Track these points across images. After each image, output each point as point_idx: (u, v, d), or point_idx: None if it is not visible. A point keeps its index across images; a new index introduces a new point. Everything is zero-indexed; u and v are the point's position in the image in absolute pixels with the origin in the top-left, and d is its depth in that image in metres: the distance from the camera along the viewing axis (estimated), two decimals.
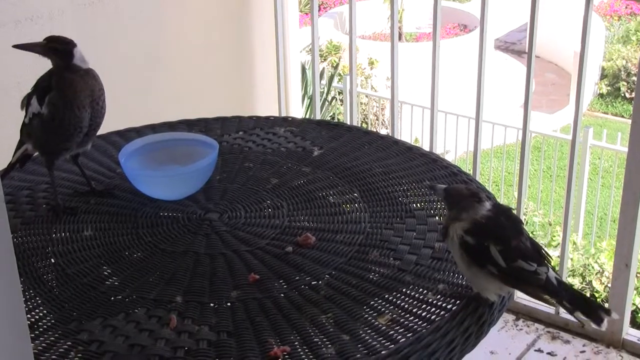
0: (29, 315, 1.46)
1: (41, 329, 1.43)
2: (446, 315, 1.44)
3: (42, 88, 1.77)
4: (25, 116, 1.82)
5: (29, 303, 1.50)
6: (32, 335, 1.40)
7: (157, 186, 1.85)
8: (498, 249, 1.40)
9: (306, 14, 9.64)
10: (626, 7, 12.29)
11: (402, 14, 11.40)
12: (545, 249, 1.44)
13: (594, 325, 1.38)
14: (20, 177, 1.96)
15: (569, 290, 1.42)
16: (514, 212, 1.50)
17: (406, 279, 1.54)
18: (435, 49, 2.86)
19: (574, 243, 4.74)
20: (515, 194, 4.51)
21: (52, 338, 1.40)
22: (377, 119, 8.31)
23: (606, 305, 3.76)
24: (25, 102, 1.82)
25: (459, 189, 1.51)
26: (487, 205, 1.45)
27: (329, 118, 7.25)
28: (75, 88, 1.75)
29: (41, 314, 1.47)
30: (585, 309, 1.39)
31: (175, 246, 1.68)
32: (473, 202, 1.45)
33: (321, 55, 9.21)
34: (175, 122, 2.24)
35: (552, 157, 7.60)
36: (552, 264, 1.47)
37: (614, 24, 12.02)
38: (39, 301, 1.51)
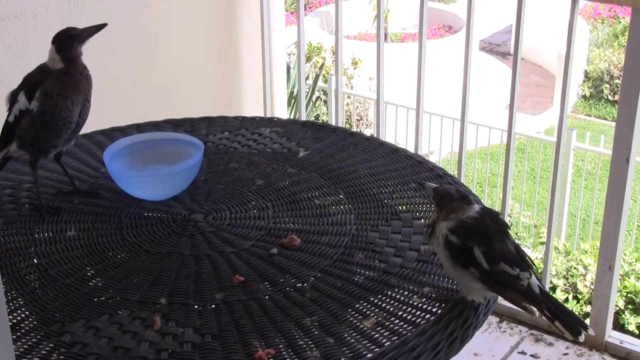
0: (11, 317, 1.45)
1: (23, 331, 1.41)
2: (431, 318, 1.44)
3: (32, 84, 1.76)
4: (9, 115, 1.80)
5: (11, 304, 1.49)
6: (14, 336, 1.39)
7: (142, 186, 1.84)
8: (481, 251, 1.40)
9: (292, 12, 9.63)
10: (610, 10, 12.35)
11: (388, 15, 11.41)
12: (531, 252, 1.45)
13: (570, 338, 1.40)
14: (3, 176, 1.95)
15: (550, 299, 1.42)
16: (501, 216, 1.50)
17: (391, 282, 1.54)
18: (421, 49, 2.87)
19: (564, 245, 4.76)
20: (500, 195, 4.53)
21: (35, 340, 1.39)
22: (360, 120, 8.31)
23: (589, 307, 3.78)
24: (10, 100, 1.80)
25: (448, 190, 1.51)
26: (476, 207, 1.46)
27: (313, 118, 7.24)
28: (75, 83, 1.76)
29: (23, 315, 1.46)
30: (564, 320, 1.39)
31: (160, 247, 1.67)
32: (462, 204, 1.45)
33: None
34: (160, 122, 2.23)
35: (536, 159, 7.63)
36: (536, 266, 1.47)
37: (598, 27, 12.09)
38: (21, 302, 1.49)
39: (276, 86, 3.42)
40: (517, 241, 1.49)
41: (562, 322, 1.39)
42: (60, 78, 1.75)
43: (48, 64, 1.78)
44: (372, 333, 1.40)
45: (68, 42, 1.77)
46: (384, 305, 1.47)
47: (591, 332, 1.41)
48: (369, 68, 8.63)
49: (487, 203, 6.68)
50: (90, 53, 2.78)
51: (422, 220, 1.74)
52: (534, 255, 4.47)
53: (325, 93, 7.72)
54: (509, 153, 2.79)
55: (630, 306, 4.26)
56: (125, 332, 1.41)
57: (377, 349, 1.35)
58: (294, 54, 6.86)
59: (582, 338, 1.39)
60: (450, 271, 1.45)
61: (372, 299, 1.49)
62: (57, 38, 1.78)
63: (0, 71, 2.46)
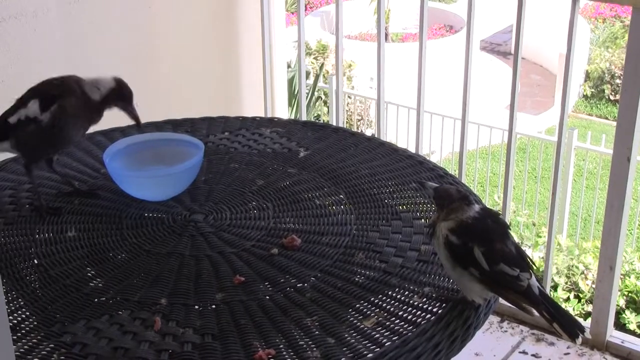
0: (11, 317, 1.45)
1: (24, 331, 1.41)
2: (432, 318, 1.43)
3: (50, 96, 1.76)
4: (12, 115, 1.78)
5: (11, 305, 1.48)
6: (15, 337, 1.39)
7: (142, 187, 1.84)
8: (481, 251, 1.40)
9: (292, 13, 9.63)
10: (611, 10, 12.35)
11: (389, 15, 11.41)
12: (531, 252, 1.45)
13: (567, 340, 1.39)
14: (4, 177, 1.95)
15: (549, 300, 1.42)
16: (501, 217, 1.50)
17: (392, 282, 1.53)
18: (422, 49, 2.86)
19: (559, 244, 4.76)
20: (501, 195, 4.53)
21: (35, 340, 1.39)
22: (361, 120, 8.31)
23: (590, 306, 3.77)
24: (17, 101, 1.79)
25: (449, 190, 1.51)
26: (476, 207, 1.46)
27: (313, 119, 7.24)
28: (91, 115, 1.80)
29: (24, 316, 1.46)
30: (562, 323, 1.39)
31: (160, 247, 1.67)
32: (462, 204, 1.45)
33: (310, 53, 9.19)
34: (161, 122, 2.23)
35: (537, 159, 7.63)
36: (537, 265, 1.47)
37: (599, 26, 12.08)
38: (22, 303, 1.49)
39: (276, 86, 3.42)
40: (519, 241, 1.50)
41: (560, 324, 1.39)
42: (84, 104, 1.77)
43: (86, 86, 1.78)
44: (373, 333, 1.39)
45: (128, 99, 1.82)
46: (384, 305, 1.47)
47: (588, 335, 1.41)
48: (368, 68, 8.63)
49: (488, 203, 6.68)
50: (89, 54, 2.78)
51: (423, 220, 1.74)
52: (535, 254, 4.47)
53: (325, 93, 7.72)
54: (510, 153, 2.79)
55: (631, 305, 4.26)
56: (126, 332, 1.40)
57: (378, 349, 1.35)
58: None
59: (579, 341, 1.39)
60: (450, 271, 1.45)
61: (372, 299, 1.49)
62: (129, 91, 1.83)
63: (0, 71, 2.46)
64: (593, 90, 11.02)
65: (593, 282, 4.18)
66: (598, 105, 10.97)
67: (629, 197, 2.52)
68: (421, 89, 2.92)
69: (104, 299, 1.50)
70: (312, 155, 2.05)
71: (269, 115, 3.38)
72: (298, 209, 1.80)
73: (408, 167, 1.96)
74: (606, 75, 10.89)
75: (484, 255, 1.40)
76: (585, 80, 11.10)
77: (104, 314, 1.45)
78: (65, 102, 1.76)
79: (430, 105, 5.06)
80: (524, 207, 6.99)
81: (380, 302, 1.48)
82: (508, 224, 1.52)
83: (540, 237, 5.12)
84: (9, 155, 1.93)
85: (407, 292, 1.51)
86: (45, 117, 1.75)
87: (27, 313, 1.46)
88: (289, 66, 5.54)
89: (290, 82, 5.60)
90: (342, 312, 1.44)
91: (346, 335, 1.38)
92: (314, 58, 8.87)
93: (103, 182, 1.93)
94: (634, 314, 4.20)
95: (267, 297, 1.49)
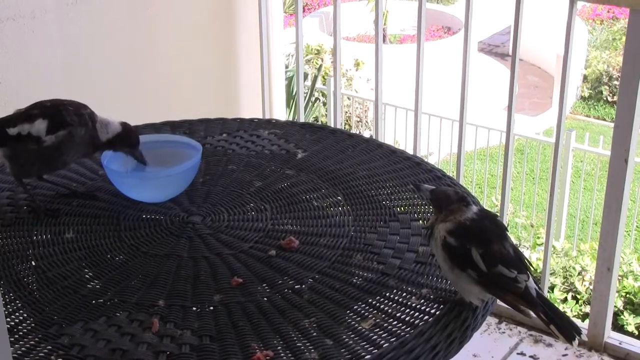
0: (8, 319, 1.44)
1: (21, 333, 1.41)
2: (430, 319, 1.43)
3: (62, 120, 1.75)
4: (12, 126, 1.76)
5: (8, 306, 1.48)
6: (12, 339, 1.39)
7: (140, 188, 1.84)
8: (479, 252, 1.40)
9: (290, 14, 9.63)
10: (608, 12, 12.36)
11: (387, 16, 11.42)
12: (529, 253, 1.45)
13: (564, 342, 1.40)
14: (1, 179, 1.94)
15: (546, 302, 1.42)
16: (499, 218, 1.50)
17: (390, 283, 1.53)
18: (420, 51, 2.86)
19: (557, 246, 4.76)
20: (498, 196, 4.53)
21: (32, 342, 1.38)
22: (360, 121, 8.31)
23: (588, 307, 3.77)
24: (22, 113, 1.79)
25: (447, 192, 1.51)
26: (474, 209, 1.46)
27: (312, 120, 7.24)
28: (92, 151, 1.82)
29: (21, 318, 1.45)
30: (559, 325, 1.39)
31: (158, 249, 1.67)
32: (460, 206, 1.45)
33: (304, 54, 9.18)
34: (159, 124, 2.23)
35: (535, 160, 7.63)
36: (535, 266, 1.48)
37: (597, 28, 12.09)
38: (19, 304, 1.49)
39: (274, 88, 3.42)
40: (516, 242, 1.50)
41: (557, 326, 1.39)
42: (90, 139, 1.78)
43: (97, 123, 1.78)
44: (371, 334, 1.39)
45: (135, 145, 1.81)
46: (382, 306, 1.47)
47: (584, 337, 1.41)
48: (370, 69, 8.63)
49: (486, 204, 6.68)
50: (88, 56, 2.78)
51: (421, 221, 1.74)
52: (533, 255, 4.47)
53: (324, 95, 7.72)
54: (508, 154, 2.79)
55: (629, 307, 4.26)
56: (124, 334, 1.40)
57: (376, 351, 1.35)
58: (292, 55, 6.85)
59: (575, 343, 1.39)
60: (448, 273, 1.45)
61: (370, 300, 1.49)
62: (136, 137, 1.82)
63: None
64: (591, 91, 11.03)
65: (590, 284, 4.19)
66: (596, 107, 10.97)
67: (626, 198, 2.53)
68: (419, 91, 2.92)
69: (101, 300, 1.50)
70: (310, 156, 2.05)
71: (267, 116, 3.38)
72: (296, 210, 1.80)
73: (406, 168, 1.97)
74: (604, 76, 10.90)
75: (481, 257, 1.40)
76: (583, 82, 11.10)
77: (102, 315, 1.45)
78: (75, 131, 1.76)
79: (428, 106, 5.06)
80: (521, 208, 6.99)
81: (378, 304, 1.48)
82: (506, 225, 1.52)
83: (539, 238, 5.12)
84: None
85: (404, 294, 1.51)
86: (49, 139, 1.75)
87: (25, 315, 1.46)
88: (287, 67, 5.54)
89: (289, 83, 5.60)
90: (340, 314, 1.45)
91: (344, 336, 1.38)
92: (309, 59, 8.86)
93: (101, 183, 1.93)
94: (632, 315, 4.20)
95: (265, 299, 1.49)
